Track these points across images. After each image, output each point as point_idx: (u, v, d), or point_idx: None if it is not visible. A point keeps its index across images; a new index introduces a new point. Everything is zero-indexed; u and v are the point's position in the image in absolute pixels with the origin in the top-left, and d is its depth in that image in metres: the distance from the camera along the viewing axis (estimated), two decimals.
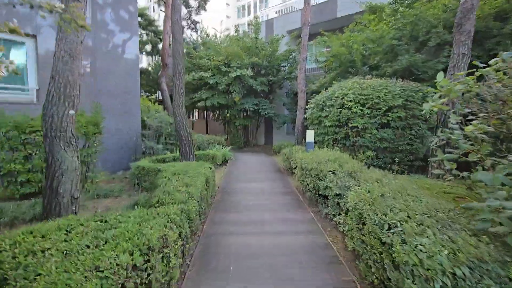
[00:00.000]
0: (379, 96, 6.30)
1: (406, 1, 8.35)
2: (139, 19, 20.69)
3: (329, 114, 6.98)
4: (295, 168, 7.12)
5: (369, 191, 3.12)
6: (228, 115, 14.83)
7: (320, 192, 4.45)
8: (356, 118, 6.50)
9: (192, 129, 24.20)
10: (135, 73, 9.41)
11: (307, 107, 7.96)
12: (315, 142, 7.24)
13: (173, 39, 6.80)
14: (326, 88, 8.07)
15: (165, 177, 4.56)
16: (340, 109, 6.75)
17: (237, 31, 14.58)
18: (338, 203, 3.84)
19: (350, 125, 6.59)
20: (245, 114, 15.70)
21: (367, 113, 6.39)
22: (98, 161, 8.37)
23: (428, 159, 5.17)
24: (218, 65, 12.97)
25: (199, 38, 16.63)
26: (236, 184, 6.62)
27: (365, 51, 9.16)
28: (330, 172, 4.39)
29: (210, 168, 5.61)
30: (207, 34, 15.13)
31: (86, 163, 6.04)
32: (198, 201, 3.85)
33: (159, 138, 9.09)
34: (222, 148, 10.62)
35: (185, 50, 16.97)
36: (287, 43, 14.92)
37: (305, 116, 8.00)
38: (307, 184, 5.03)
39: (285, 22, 16.86)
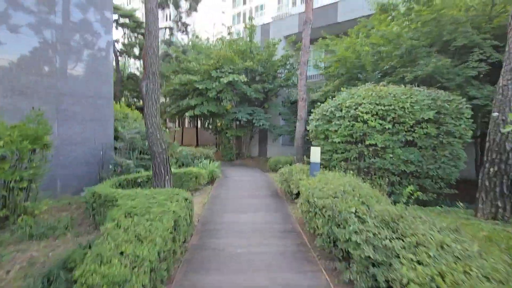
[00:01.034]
0: (403, 107, 5.02)
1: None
2: (127, 20, 19.42)
3: (339, 128, 5.67)
4: (296, 194, 5.75)
5: (443, 278, 1.76)
6: (219, 124, 13.48)
7: (339, 245, 3.07)
8: (374, 134, 5.20)
9: (182, 139, 22.66)
10: (108, 75, 8.01)
11: (310, 118, 6.65)
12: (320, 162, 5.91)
13: (147, 31, 5.47)
14: (332, 97, 6.80)
15: (113, 220, 3.13)
16: (353, 122, 5.45)
17: (230, 33, 13.35)
18: (374, 276, 2.46)
19: (366, 142, 5.29)
20: (238, 123, 14.39)
21: (389, 128, 5.10)
22: (56, 179, 6.92)
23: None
24: (209, 70, 11.66)
25: (190, 43, 15.38)
26: (221, 216, 5.19)
27: (374, 56, 7.98)
28: (353, 215, 3.03)
29: (186, 200, 4.19)
30: (197, 36, 13.88)
31: (21, 189, 4.54)
32: (153, 269, 2.44)
33: (133, 152, 7.64)
34: (210, 163, 9.20)
35: (173, 54, 15.68)
36: (284, 48, 13.76)
37: (308, 129, 6.68)
38: (317, 227, 3.65)
39: (282, 26, 15.78)
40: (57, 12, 6.84)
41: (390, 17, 7.84)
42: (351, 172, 5.22)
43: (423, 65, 6.34)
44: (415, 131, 4.96)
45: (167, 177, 5.79)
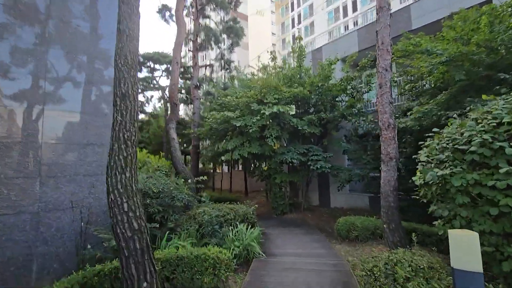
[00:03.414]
0: None
1: None
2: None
3: None
4: None
5: None
6: (265, 168, 10.73)
7: None
8: None
9: (230, 184, 20.36)
10: None
11: (422, 160, 3.36)
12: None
13: (118, 30, 3.30)
14: (465, 115, 3.49)
15: None
16: None
17: (273, 58, 11.16)
18: None
19: None
20: (290, 165, 11.42)
21: None
22: (32, 262, 4.88)
23: None
24: (248, 103, 9.41)
25: (230, 78, 13.84)
26: None
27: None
28: None
29: None
30: (236, 68, 12.15)
31: None
32: None
33: None
34: (248, 229, 6.28)
35: (214, 91, 14.24)
36: (342, 69, 10.86)
37: (418, 181, 3.34)
38: None
39: (338, 48, 13.03)
40: None
41: None
42: None
43: None
44: None
45: (144, 284, 3.07)
